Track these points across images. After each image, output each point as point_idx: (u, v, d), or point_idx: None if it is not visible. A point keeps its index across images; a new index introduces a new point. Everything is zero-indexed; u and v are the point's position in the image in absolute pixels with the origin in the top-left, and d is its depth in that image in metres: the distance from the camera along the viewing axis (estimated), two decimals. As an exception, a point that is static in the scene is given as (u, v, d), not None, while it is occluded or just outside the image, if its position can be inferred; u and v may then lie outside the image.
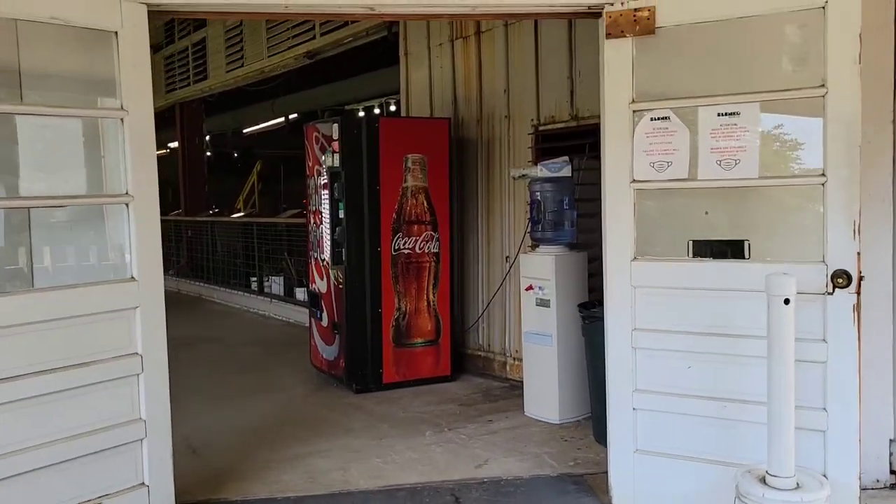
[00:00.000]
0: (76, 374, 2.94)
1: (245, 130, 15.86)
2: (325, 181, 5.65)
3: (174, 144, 16.05)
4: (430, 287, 5.76)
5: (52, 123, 3.04)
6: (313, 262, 5.99)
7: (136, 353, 3.13)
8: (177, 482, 3.31)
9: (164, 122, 16.41)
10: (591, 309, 4.33)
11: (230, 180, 22.20)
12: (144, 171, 3.12)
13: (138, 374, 3.14)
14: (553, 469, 3.94)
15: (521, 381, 5.57)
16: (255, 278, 9.99)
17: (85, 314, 2.97)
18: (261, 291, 9.74)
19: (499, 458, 4.11)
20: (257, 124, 14.35)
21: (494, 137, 5.85)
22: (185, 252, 12.10)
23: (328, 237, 5.64)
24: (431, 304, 5.76)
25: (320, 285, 5.86)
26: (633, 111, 3.26)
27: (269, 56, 8.83)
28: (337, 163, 5.49)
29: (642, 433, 3.32)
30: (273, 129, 15.27)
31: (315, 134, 5.76)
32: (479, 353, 6.09)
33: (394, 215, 5.59)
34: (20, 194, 3.01)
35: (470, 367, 6.13)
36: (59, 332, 2.90)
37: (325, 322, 5.81)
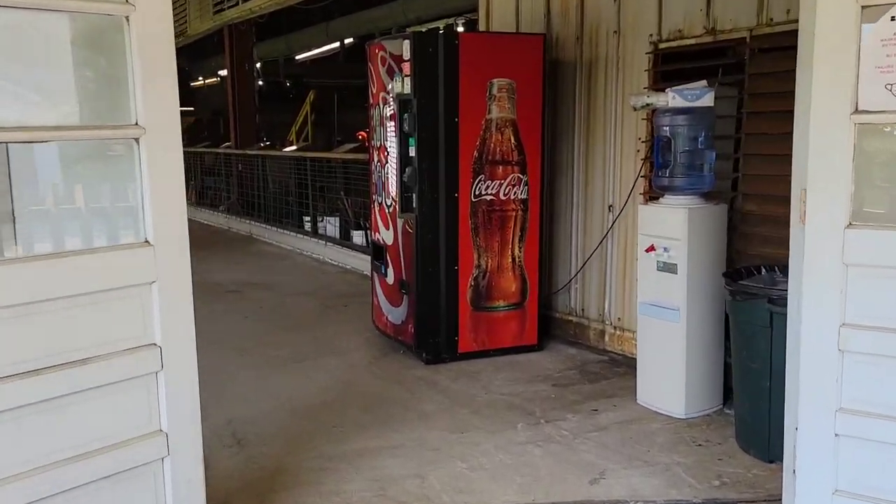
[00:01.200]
0: (67, 376, 2.11)
1: (297, 57, 14.89)
2: (393, 111, 4.70)
3: (224, 72, 15.20)
4: (516, 241, 4.82)
5: (31, 23, 2.14)
6: (377, 208, 5.09)
7: (153, 345, 2.30)
8: (213, 493, 2.54)
9: (213, 47, 15.55)
10: (739, 280, 3.35)
11: (281, 111, 21.40)
12: (159, 94, 2.23)
13: (156, 373, 2.31)
14: (694, 492, 3.04)
15: (624, 356, 4.67)
16: (308, 218, 9.20)
17: (78, 293, 2.13)
18: (315, 233, 8.94)
19: (617, 470, 3.23)
20: (310, 50, 13.35)
21: (598, 58, 4.78)
22: (235, 188, 11.37)
23: (395, 179, 4.72)
24: (517, 260, 4.84)
25: (385, 236, 4.97)
26: (863, 7, 2.21)
27: (324, -32, 7.78)
28: (407, 88, 4.52)
29: (847, 468, 2.38)
30: (327, 55, 14.28)
31: (381, 53, 4.78)
32: (570, 317, 5.17)
33: (475, 154, 4.62)
34: (-9, 124, 2.15)
35: (558, 333, 5.23)
36: (43, 319, 2.08)
37: (390, 279, 4.95)
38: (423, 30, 5.75)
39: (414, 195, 4.62)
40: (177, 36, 9.53)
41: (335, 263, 8.26)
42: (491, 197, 4.69)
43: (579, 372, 4.56)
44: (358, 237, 8.27)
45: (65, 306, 2.11)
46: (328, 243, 8.52)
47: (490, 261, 4.77)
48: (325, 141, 20.41)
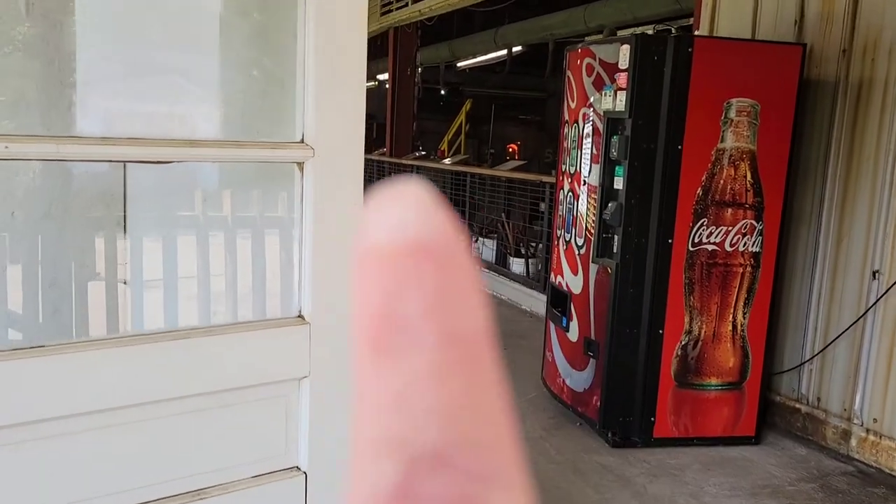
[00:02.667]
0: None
1: (459, 65, 14.31)
2: (593, 130, 3.82)
3: (383, 76, 14.91)
4: (741, 304, 3.79)
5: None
6: (562, 246, 4.21)
7: (296, 468, 1.54)
8: None
9: (376, 50, 15.31)
10: None
11: (433, 119, 21.06)
12: (341, 102, 1.47)
13: (297, 511, 1.55)
14: None
15: (880, 470, 3.54)
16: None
17: (193, 393, 1.40)
18: (468, 255, 8.18)
19: None
20: (475, 57, 12.71)
21: (875, 80, 3.67)
22: (386, 197, 10.85)
23: (589, 214, 3.83)
24: (739, 328, 3.81)
25: (571, 281, 4.08)
26: None
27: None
28: (620, 105, 3.62)
29: None
30: (490, 63, 13.60)
31: (588, 60, 3.90)
32: (798, 405, 4.06)
33: (698, 192, 3.65)
34: (103, 133, 1.47)
35: (778, 422, 4.13)
36: (143, 429, 1.36)
37: (573, 335, 4.05)
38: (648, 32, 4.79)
39: (616, 237, 3.71)
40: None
41: (489, 292, 7.45)
42: (714, 247, 3.70)
43: (820, 488, 3.46)
44: (517, 266, 7.44)
45: (173, 412, 1.39)
46: (483, 269, 7.74)
47: (705, 326, 3.77)
48: (476, 152, 19.87)
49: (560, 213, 4.27)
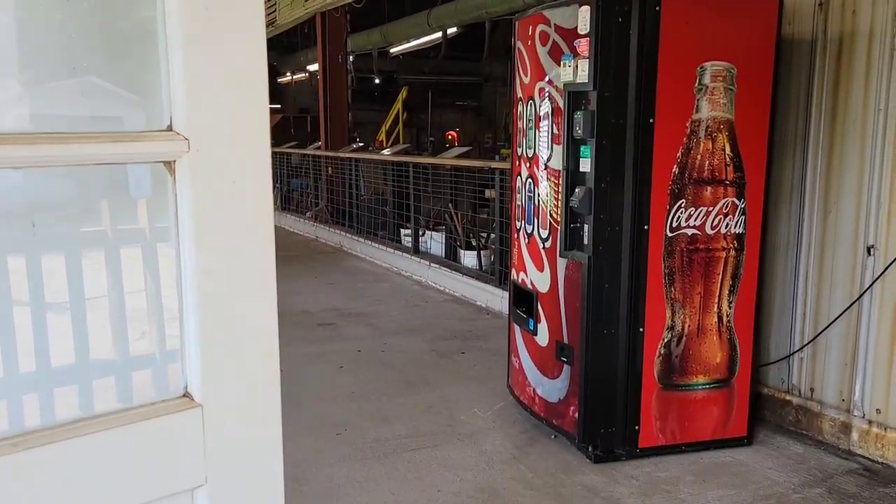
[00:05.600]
0: None
1: (394, 50, 13.75)
2: (552, 107, 3.37)
3: (313, 67, 14.21)
4: (725, 292, 3.40)
5: None
6: (523, 240, 3.76)
7: None
8: None
9: (303, 39, 14.61)
10: None
11: (369, 110, 20.45)
12: (228, 66, 0.96)
13: None
14: None
15: (887, 465, 3.20)
16: (407, 232, 7.97)
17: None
18: (415, 251, 7.70)
19: None
20: (409, 41, 12.17)
21: (857, 33, 3.31)
22: (324, 193, 10.28)
23: (553, 202, 3.38)
24: (725, 319, 3.42)
25: (536, 279, 3.63)
26: None
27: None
28: (583, 76, 3.17)
29: None
30: (426, 48, 13.09)
31: (541, 28, 3.43)
32: (789, 397, 3.71)
33: (674, 170, 3.24)
34: None
35: (767, 416, 3.78)
36: None
37: (542, 340, 3.60)
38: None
39: (585, 226, 3.27)
40: (267, 26, 8.38)
41: (441, 289, 6.99)
42: (694, 231, 3.30)
43: (828, 492, 3.10)
44: (469, 259, 6.98)
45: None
46: (432, 264, 7.26)
47: (688, 320, 3.37)
48: (416, 142, 19.35)
49: (519, 202, 3.81)
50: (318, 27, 9.82)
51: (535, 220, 3.58)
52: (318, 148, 10.44)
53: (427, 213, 7.95)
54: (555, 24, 3.33)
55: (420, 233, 7.83)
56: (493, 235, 6.61)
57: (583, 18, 3.15)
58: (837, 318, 3.39)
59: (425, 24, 10.78)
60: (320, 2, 9.34)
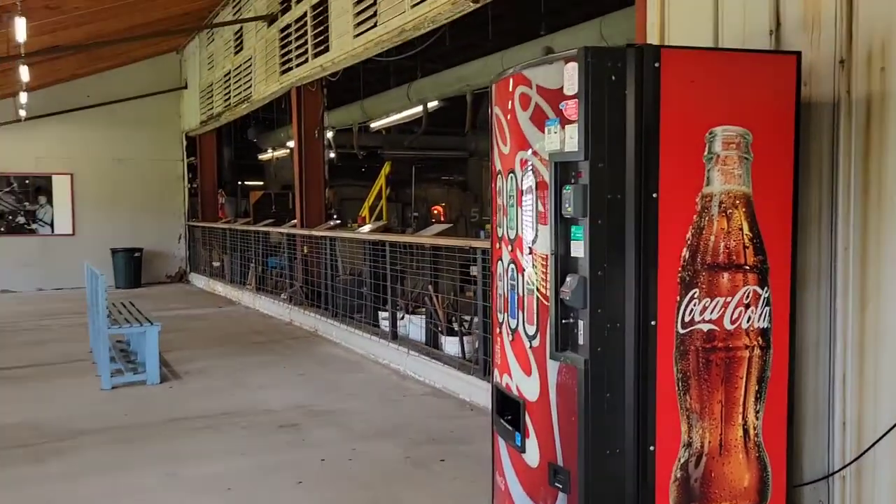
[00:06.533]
0: None
1: (375, 125, 13.45)
2: (536, 181, 2.85)
3: (292, 143, 13.88)
4: (751, 399, 2.82)
5: None
6: (506, 335, 3.17)
7: None
8: None
9: (283, 115, 14.32)
10: None
11: (353, 186, 20.12)
12: None
13: None
14: None
15: None
16: (385, 314, 7.37)
17: None
18: (394, 336, 7.09)
19: None
20: (389, 116, 11.86)
21: (889, 94, 2.83)
22: (299, 273, 9.71)
23: (540, 292, 2.83)
24: (752, 432, 2.82)
25: (523, 384, 3.03)
26: None
27: (412, 6, 6.17)
28: (572, 143, 2.66)
29: None
30: (408, 123, 12.79)
31: (522, 90, 2.95)
32: (831, 525, 3.07)
33: (684, 254, 2.70)
34: None
35: (806, 548, 3.14)
36: None
37: (532, 458, 2.98)
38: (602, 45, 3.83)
39: (580, 323, 2.71)
40: (242, 102, 7.88)
41: (420, 380, 6.35)
42: (710, 326, 2.74)
43: None
44: (451, 346, 6.38)
45: None
46: (411, 351, 6.64)
47: (708, 435, 2.78)
48: (401, 217, 18.95)
49: (500, 290, 3.24)
50: (294, 102, 9.46)
51: (520, 314, 3.01)
52: (294, 226, 9.93)
53: (406, 296, 7.38)
54: (537, 86, 2.85)
55: (399, 316, 7.24)
56: (476, 319, 6.03)
57: (569, 77, 2.67)
58: (887, 432, 2.79)
59: (405, 97, 10.48)
60: (294, 77, 9.00)
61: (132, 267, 14.16)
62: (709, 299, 2.73)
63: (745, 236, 2.76)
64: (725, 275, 2.75)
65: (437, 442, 4.76)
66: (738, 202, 2.74)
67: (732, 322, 2.76)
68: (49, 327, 9.65)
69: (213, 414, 5.46)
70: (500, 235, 3.23)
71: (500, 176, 3.19)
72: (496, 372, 3.30)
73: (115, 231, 14.41)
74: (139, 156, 14.77)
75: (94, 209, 14.42)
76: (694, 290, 2.71)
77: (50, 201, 14.42)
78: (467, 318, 6.50)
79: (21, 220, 14.24)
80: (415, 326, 7.11)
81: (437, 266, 6.87)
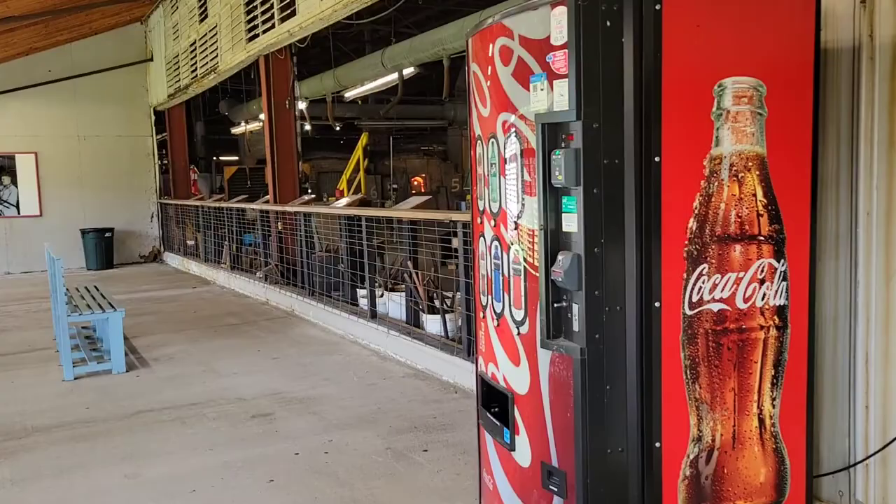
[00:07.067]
0: None
1: (349, 94, 12.98)
2: (522, 147, 2.50)
3: (264, 116, 13.38)
4: (767, 385, 2.51)
5: None
6: (490, 320, 2.84)
7: None
8: None
9: (252, 86, 13.79)
10: None
11: (331, 159, 19.65)
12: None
13: None
14: None
15: None
16: (364, 293, 7.03)
17: None
18: (373, 316, 6.76)
19: None
20: (364, 84, 11.40)
21: (920, 35, 2.50)
22: (274, 251, 9.33)
23: (528, 273, 2.49)
24: (767, 423, 2.53)
25: (511, 375, 2.71)
26: None
27: (382, -38, 5.74)
28: (562, 102, 2.31)
29: None
30: (384, 91, 12.35)
31: (502, 42, 2.58)
32: (853, 518, 2.80)
33: (691, 224, 2.37)
34: None
35: (824, 542, 2.87)
36: None
37: (523, 457, 2.67)
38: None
39: (575, 307, 2.38)
40: (209, 73, 7.33)
41: (402, 361, 6.03)
42: (721, 305, 2.42)
43: None
44: (433, 324, 6.06)
45: None
46: (391, 331, 6.31)
47: (720, 427, 2.47)
48: (380, 189, 18.53)
49: (483, 270, 2.91)
50: (262, 71, 8.99)
51: (506, 297, 2.68)
52: (267, 202, 9.52)
53: (384, 272, 7.04)
54: (519, 36, 2.48)
55: (378, 294, 6.91)
56: (458, 295, 5.71)
57: (557, 24, 2.30)
58: (920, 415, 2.51)
59: (379, 64, 10.03)
60: (262, 44, 8.52)
61: (104, 248, 13.68)
62: (719, 275, 2.41)
63: (758, 203, 2.43)
64: (737, 247, 2.42)
65: (420, 429, 4.45)
66: (750, 164, 2.41)
67: (745, 300, 2.44)
68: (13, 313, 9.22)
69: (182, 405, 5.12)
70: (481, 209, 2.88)
71: (479, 142, 2.84)
72: (481, 360, 2.97)
73: (85, 211, 13.92)
74: (106, 132, 14.21)
75: (62, 189, 13.89)
76: (702, 266, 2.39)
77: (14, 182, 13.85)
78: (449, 294, 6.18)
79: (-16, 202, 13.70)
80: (395, 304, 6.78)
81: (416, 240, 6.52)
